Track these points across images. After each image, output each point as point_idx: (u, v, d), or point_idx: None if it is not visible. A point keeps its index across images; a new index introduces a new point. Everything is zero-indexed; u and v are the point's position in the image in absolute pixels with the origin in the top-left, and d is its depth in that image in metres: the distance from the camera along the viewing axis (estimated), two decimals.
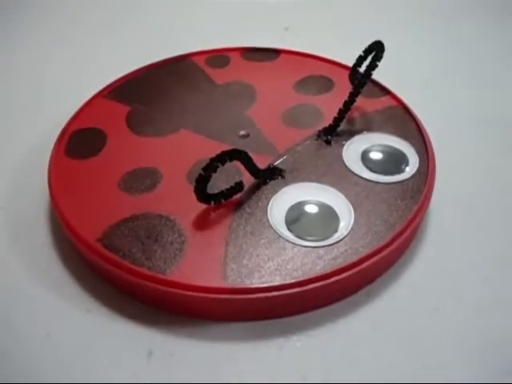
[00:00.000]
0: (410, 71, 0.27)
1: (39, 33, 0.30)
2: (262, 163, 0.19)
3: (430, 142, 0.20)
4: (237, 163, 0.17)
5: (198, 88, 0.24)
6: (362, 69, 0.21)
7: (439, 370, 0.14)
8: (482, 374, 0.14)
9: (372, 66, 0.20)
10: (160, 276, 0.14)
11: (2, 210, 0.19)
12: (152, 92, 0.23)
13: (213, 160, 0.16)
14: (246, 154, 0.17)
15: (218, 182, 0.17)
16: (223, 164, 0.16)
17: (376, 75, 0.21)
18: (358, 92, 0.20)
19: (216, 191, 0.17)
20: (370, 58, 0.20)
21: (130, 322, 0.15)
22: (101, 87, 0.24)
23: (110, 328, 0.15)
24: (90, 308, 0.15)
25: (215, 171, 0.16)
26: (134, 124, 0.21)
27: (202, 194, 0.16)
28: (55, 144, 0.20)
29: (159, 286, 0.14)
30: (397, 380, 0.14)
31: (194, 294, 0.14)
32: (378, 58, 0.19)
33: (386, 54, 0.20)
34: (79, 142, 0.20)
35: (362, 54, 0.21)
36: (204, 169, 0.16)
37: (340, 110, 0.20)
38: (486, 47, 0.29)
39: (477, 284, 0.16)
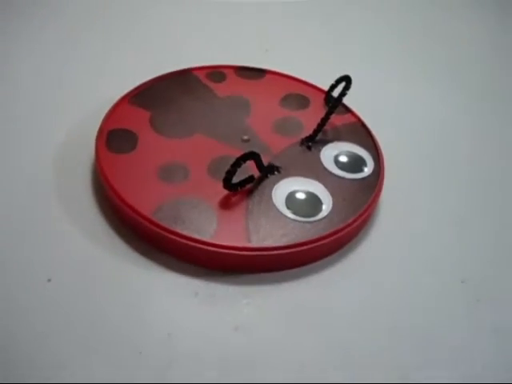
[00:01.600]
0: (368, 94, 0.34)
1: (61, 43, 0.34)
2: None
3: (380, 150, 0.28)
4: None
5: (203, 99, 0.30)
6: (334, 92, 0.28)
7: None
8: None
9: (343, 94, 0.27)
10: (208, 240, 0.21)
11: (56, 192, 0.24)
12: (166, 100, 0.29)
13: (238, 159, 0.22)
14: (258, 155, 0.23)
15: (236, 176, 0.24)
16: (245, 162, 0.22)
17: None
18: (332, 112, 0.27)
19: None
20: (340, 86, 0.28)
21: (179, 275, 0.21)
22: (117, 93, 0.29)
23: (166, 279, 0.21)
24: (147, 266, 0.21)
25: (240, 166, 0.22)
26: (157, 127, 0.27)
27: (228, 183, 0.22)
28: (97, 140, 0.25)
29: (207, 248, 0.21)
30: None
31: (231, 252, 0.21)
32: (347, 88, 0.27)
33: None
34: (115, 139, 0.25)
35: (334, 83, 0.29)
36: (232, 165, 0.22)
37: (318, 124, 0.27)
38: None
39: (413, 251, 0.24)
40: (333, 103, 0.27)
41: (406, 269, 0.23)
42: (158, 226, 0.21)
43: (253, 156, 0.23)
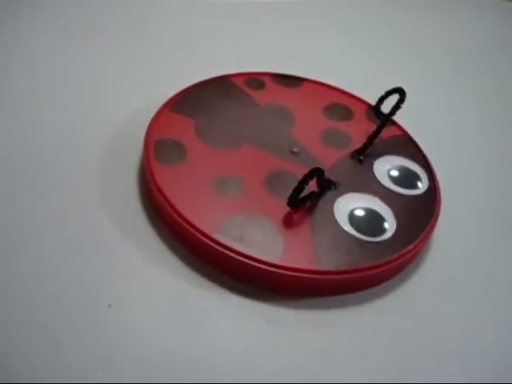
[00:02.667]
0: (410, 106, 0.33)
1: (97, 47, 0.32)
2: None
3: (432, 165, 0.27)
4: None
5: (245, 107, 0.28)
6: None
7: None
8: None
9: (397, 107, 0.26)
10: (274, 262, 0.19)
11: (103, 203, 0.22)
12: (208, 107, 0.27)
13: (306, 176, 0.21)
14: (323, 172, 0.22)
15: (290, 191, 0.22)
16: (312, 179, 0.21)
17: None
18: (384, 125, 0.26)
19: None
20: (390, 98, 0.27)
21: (246, 299, 0.20)
22: (153, 101, 0.27)
23: (233, 304, 0.19)
24: (210, 288, 0.20)
25: (307, 184, 0.21)
26: (205, 136, 0.25)
27: (294, 201, 0.21)
28: (145, 151, 0.23)
29: (273, 270, 0.19)
30: None
31: (299, 274, 0.19)
32: (401, 101, 0.26)
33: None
34: (164, 150, 0.24)
35: (384, 95, 0.28)
36: (300, 182, 0.21)
37: (369, 137, 0.27)
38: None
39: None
40: (385, 116, 0.26)
41: (470, 290, 0.23)
42: (223, 246, 0.20)
43: (318, 173, 0.22)
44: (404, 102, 0.26)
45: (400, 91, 0.26)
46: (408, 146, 0.28)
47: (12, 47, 0.30)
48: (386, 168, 0.26)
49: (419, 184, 0.26)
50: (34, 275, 0.19)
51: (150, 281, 0.20)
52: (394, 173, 0.26)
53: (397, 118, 0.30)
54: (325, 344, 0.19)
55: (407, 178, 0.26)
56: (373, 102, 0.30)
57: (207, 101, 0.28)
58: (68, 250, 0.20)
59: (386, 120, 0.26)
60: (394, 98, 0.27)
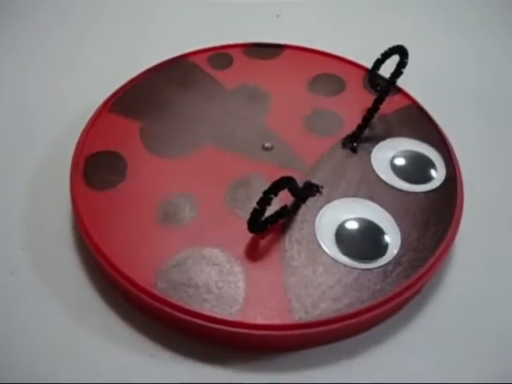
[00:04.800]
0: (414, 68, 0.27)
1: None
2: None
3: (451, 145, 0.21)
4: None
5: (207, 94, 0.23)
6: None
7: None
8: None
9: (397, 74, 0.20)
10: (227, 318, 0.14)
11: (27, 250, 0.18)
12: (158, 102, 0.22)
13: (266, 193, 0.15)
14: (293, 180, 0.16)
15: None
16: (276, 195, 0.15)
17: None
18: (382, 100, 0.20)
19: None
20: (388, 62, 0.20)
21: (195, 362, 0.15)
22: (98, 99, 0.22)
23: (177, 369, 0.15)
24: (153, 353, 0.15)
25: (270, 204, 0.15)
26: (151, 143, 0.20)
27: (255, 226, 0.16)
28: (71, 174, 0.18)
29: (228, 328, 0.14)
30: None
31: (265, 332, 0.14)
32: (402, 64, 0.19)
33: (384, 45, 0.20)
34: (97, 168, 0.19)
35: (381, 57, 0.21)
36: (259, 202, 0.15)
37: (364, 116, 0.20)
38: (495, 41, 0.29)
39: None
40: (383, 86, 0.20)
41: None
42: (162, 301, 0.15)
43: (287, 183, 0.16)
44: (407, 65, 0.19)
45: (400, 51, 0.20)
46: (419, 122, 0.22)
47: None
48: (389, 156, 0.20)
49: (433, 173, 0.20)
50: None
51: (83, 344, 0.15)
52: (400, 161, 0.20)
53: (403, 83, 0.23)
54: None
55: (417, 168, 0.20)
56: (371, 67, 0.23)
57: (159, 92, 0.22)
58: None
59: (385, 92, 0.20)
60: (395, 60, 0.20)
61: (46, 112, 0.23)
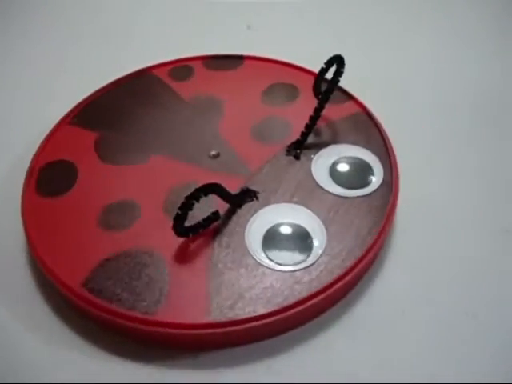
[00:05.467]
0: (369, 75, 0.27)
1: None
2: (234, 184, 0.19)
3: (392, 150, 0.21)
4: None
5: (165, 106, 0.24)
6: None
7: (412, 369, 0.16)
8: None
9: (334, 82, 0.20)
10: (148, 318, 0.15)
11: None
12: (117, 115, 0.23)
13: (188, 198, 0.16)
14: (219, 186, 0.17)
15: (195, 210, 0.18)
16: (198, 201, 0.16)
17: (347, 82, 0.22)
18: (322, 106, 0.20)
19: (193, 221, 0.17)
20: (331, 71, 0.21)
21: (125, 360, 0.16)
22: (60, 113, 0.23)
23: (106, 368, 0.16)
24: (82, 349, 0.16)
25: (191, 209, 0.16)
26: (104, 153, 0.21)
27: (180, 230, 0.16)
28: (24, 183, 0.20)
29: (148, 327, 0.15)
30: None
31: (181, 331, 0.15)
32: (339, 73, 0.20)
33: (351, 59, 0.21)
34: (49, 177, 0.20)
35: (324, 66, 0.22)
36: (180, 207, 0.16)
37: (307, 124, 0.21)
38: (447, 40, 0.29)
39: (442, 287, 0.18)
40: (323, 94, 0.20)
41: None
42: (87, 300, 0.16)
43: (211, 189, 0.17)
44: (342, 74, 0.20)
45: (337, 60, 0.20)
46: (365, 128, 0.22)
47: None
48: (329, 162, 0.21)
49: (372, 179, 0.20)
50: None
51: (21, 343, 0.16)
52: (339, 167, 0.20)
53: (358, 91, 0.24)
54: None
55: (356, 174, 0.20)
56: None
57: (118, 105, 0.24)
58: None
59: (325, 100, 0.20)
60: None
61: (9, 127, 0.24)
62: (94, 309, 0.16)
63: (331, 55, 0.21)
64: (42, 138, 0.22)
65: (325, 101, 0.20)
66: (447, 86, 0.26)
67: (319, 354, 0.16)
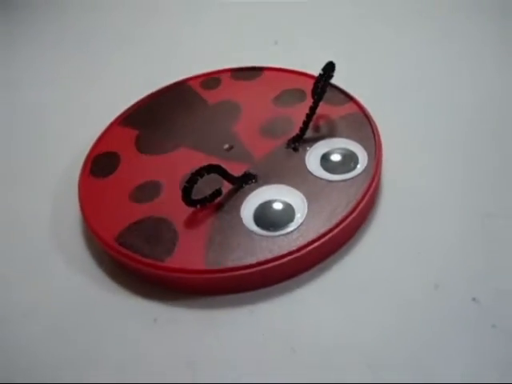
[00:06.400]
0: (370, 79, 0.30)
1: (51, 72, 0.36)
2: (240, 169, 0.24)
3: (380, 143, 0.24)
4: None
5: (193, 109, 0.29)
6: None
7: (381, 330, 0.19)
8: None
9: (325, 85, 0.24)
10: (159, 264, 0.20)
11: (43, 220, 0.25)
12: (155, 117, 0.29)
13: (193, 174, 0.21)
14: (219, 167, 0.21)
15: (205, 189, 0.22)
16: (202, 177, 0.21)
17: (346, 84, 0.26)
18: (316, 105, 0.24)
19: (200, 197, 0.22)
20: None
21: (139, 298, 0.20)
22: (113, 114, 0.29)
23: (125, 303, 0.20)
24: (110, 289, 0.21)
25: (196, 183, 0.21)
26: (142, 146, 0.27)
27: (187, 200, 0.21)
28: (82, 167, 0.26)
29: (158, 271, 0.20)
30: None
31: (183, 275, 0.19)
32: (329, 77, 0.24)
33: (357, 64, 0.24)
34: (100, 164, 0.26)
35: (321, 73, 0.25)
36: (187, 181, 0.21)
37: (304, 121, 0.25)
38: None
39: (413, 261, 0.20)
40: (316, 94, 0.24)
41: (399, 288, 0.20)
42: (117, 251, 0.21)
43: (212, 169, 0.21)
44: (332, 77, 0.24)
45: (330, 66, 0.24)
46: (359, 126, 0.25)
47: None
48: (321, 152, 0.24)
49: (357, 166, 0.23)
50: None
51: (68, 283, 0.22)
52: (332, 157, 0.24)
53: (359, 94, 0.27)
54: (210, 348, 0.19)
55: (344, 162, 0.23)
56: (344, 83, 0.27)
57: (158, 109, 0.29)
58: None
59: (318, 100, 0.24)
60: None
61: (74, 127, 0.31)
62: (123, 257, 0.21)
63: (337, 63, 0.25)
64: (97, 134, 0.28)
65: (318, 100, 0.24)
66: (438, 87, 0.28)
67: (294, 306, 0.19)
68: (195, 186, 0.21)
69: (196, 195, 0.21)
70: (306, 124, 0.25)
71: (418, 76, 0.30)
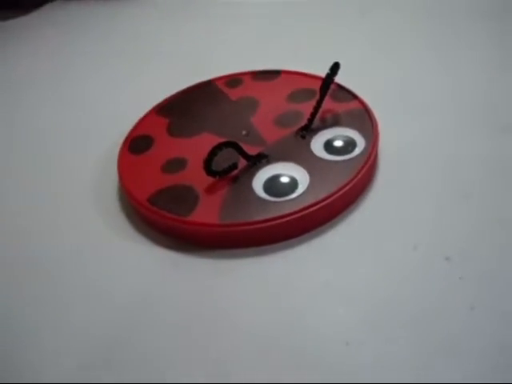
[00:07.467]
0: (376, 79, 0.34)
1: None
2: (255, 151, 0.28)
3: (377, 129, 0.28)
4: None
5: (217, 103, 0.33)
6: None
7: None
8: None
9: (328, 83, 0.28)
10: (183, 219, 0.24)
11: (87, 186, 0.30)
12: (185, 108, 0.33)
13: (214, 148, 0.25)
14: (235, 143, 0.26)
15: (224, 163, 0.26)
16: (221, 150, 0.25)
17: (356, 85, 0.30)
18: (322, 99, 0.28)
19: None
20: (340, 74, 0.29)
21: (163, 249, 0.25)
22: (151, 105, 0.33)
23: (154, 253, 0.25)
24: (140, 241, 0.25)
25: (216, 155, 0.25)
26: (172, 130, 0.31)
27: (208, 170, 0.25)
28: (121, 146, 0.30)
29: (182, 225, 0.24)
30: None
31: (202, 227, 0.24)
32: (334, 73, 0.28)
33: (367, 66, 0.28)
34: (137, 144, 0.31)
35: (329, 72, 0.29)
36: (208, 154, 0.25)
37: (311, 112, 0.29)
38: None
39: (397, 227, 0.24)
40: (321, 90, 0.28)
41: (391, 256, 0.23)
42: (147, 208, 0.25)
43: (229, 144, 0.25)
44: (336, 75, 0.28)
45: (336, 66, 0.28)
46: (361, 118, 0.29)
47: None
48: (325, 139, 0.28)
49: (356, 150, 0.27)
50: None
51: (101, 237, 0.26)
52: (334, 143, 0.28)
53: (364, 93, 0.31)
54: (223, 290, 0.22)
55: (344, 147, 0.27)
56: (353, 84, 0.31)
57: (187, 103, 0.34)
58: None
59: (323, 95, 0.28)
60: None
61: (118, 113, 0.36)
62: (152, 214, 0.25)
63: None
64: (136, 120, 0.33)
65: (324, 94, 0.28)
66: (436, 88, 0.32)
67: (287, 263, 0.23)
68: (215, 159, 0.25)
69: (216, 168, 0.26)
70: (313, 115, 0.29)
71: (419, 78, 0.34)
